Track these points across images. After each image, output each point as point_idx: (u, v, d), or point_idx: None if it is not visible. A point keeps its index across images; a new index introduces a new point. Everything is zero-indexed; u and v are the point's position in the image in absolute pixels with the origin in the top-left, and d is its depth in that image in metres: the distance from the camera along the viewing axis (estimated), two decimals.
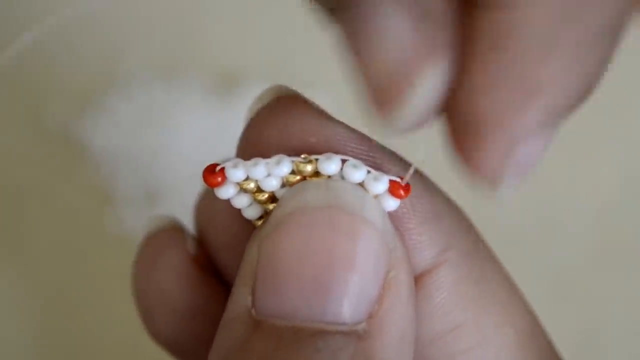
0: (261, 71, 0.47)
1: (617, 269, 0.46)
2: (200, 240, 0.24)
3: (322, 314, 0.17)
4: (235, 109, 0.47)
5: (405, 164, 0.20)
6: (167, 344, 0.24)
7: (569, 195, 0.47)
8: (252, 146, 0.20)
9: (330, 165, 0.18)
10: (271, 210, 0.19)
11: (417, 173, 0.20)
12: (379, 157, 0.19)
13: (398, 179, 0.18)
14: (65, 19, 0.48)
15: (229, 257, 0.23)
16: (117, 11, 0.49)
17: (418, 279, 0.20)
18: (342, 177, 0.18)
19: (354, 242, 0.17)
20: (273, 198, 0.19)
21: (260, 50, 0.49)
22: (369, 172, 0.18)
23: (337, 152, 0.19)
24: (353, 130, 0.19)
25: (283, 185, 0.19)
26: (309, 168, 0.18)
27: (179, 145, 0.46)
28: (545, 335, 0.22)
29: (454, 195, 0.22)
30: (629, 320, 0.45)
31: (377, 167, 0.19)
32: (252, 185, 0.19)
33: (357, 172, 0.18)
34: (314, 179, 0.18)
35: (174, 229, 0.24)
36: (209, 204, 0.23)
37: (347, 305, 0.17)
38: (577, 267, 0.46)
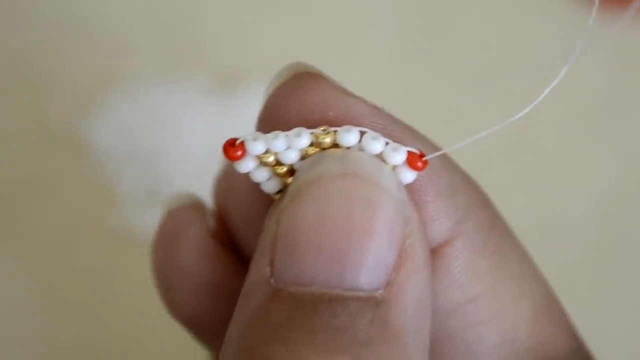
0: (262, 71, 0.48)
1: (616, 268, 0.46)
2: (220, 217, 0.24)
3: (339, 281, 0.17)
4: (236, 108, 0.47)
5: (422, 139, 0.20)
6: (186, 320, 0.24)
7: (568, 195, 0.48)
8: (271, 121, 0.20)
9: (349, 137, 0.18)
10: (289, 184, 0.19)
11: (434, 147, 0.20)
12: (397, 131, 0.20)
13: (416, 151, 0.19)
14: (68, 19, 0.48)
15: (248, 232, 0.23)
16: (120, 12, 0.49)
17: (435, 251, 0.20)
18: (361, 149, 0.19)
19: (370, 210, 0.17)
20: (292, 171, 0.19)
21: (261, 50, 0.49)
22: (387, 143, 0.19)
23: (355, 125, 0.19)
24: (372, 105, 0.20)
25: (302, 158, 0.19)
26: (328, 140, 0.19)
27: (181, 144, 0.46)
28: (561, 307, 0.22)
29: None
30: (629, 320, 0.45)
31: (395, 141, 0.19)
32: (271, 158, 0.19)
33: (376, 143, 0.18)
34: (331, 150, 0.19)
35: (194, 205, 0.24)
36: (228, 181, 0.23)
37: (365, 272, 0.17)
38: (576, 267, 0.46)
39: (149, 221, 0.44)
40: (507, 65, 0.50)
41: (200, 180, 0.45)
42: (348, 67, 0.49)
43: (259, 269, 0.18)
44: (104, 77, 0.47)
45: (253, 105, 0.46)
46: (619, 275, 0.46)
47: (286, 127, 0.19)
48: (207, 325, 0.23)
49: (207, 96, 0.47)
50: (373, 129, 0.19)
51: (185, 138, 0.46)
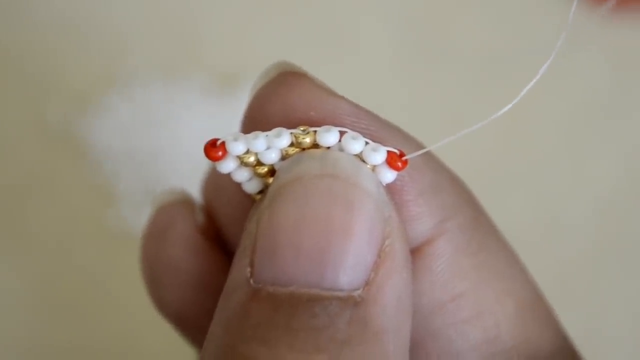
0: (259, 72, 0.48)
1: (616, 268, 0.46)
2: (209, 214, 0.24)
3: (319, 280, 0.17)
4: (234, 108, 0.47)
5: (406, 138, 0.20)
6: (174, 316, 0.24)
7: (568, 195, 0.48)
8: (254, 121, 0.20)
9: (329, 137, 0.18)
10: (270, 184, 0.19)
11: (418, 146, 0.20)
12: (379, 131, 0.20)
13: (396, 150, 0.19)
14: (65, 19, 0.49)
15: (235, 230, 0.23)
16: (119, 12, 0.49)
17: (418, 250, 0.20)
18: (341, 149, 0.19)
19: (349, 210, 0.17)
20: (272, 172, 0.19)
21: (259, 50, 0.50)
22: (367, 143, 0.19)
23: (336, 125, 0.19)
24: (355, 105, 0.20)
25: (283, 158, 0.19)
26: (307, 140, 0.19)
27: (179, 145, 0.46)
28: (547, 306, 0.22)
29: None
30: (629, 320, 0.45)
31: (377, 141, 0.19)
32: (252, 158, 0.19)
33: (356, 143, 0.18)
34: (311, 150, 0.19)
35: (183, 201, 0.24)
36: (216, 180, 0.24)
37: (344, 272, 0.17)
38: (576, 267, 0.46)
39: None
40: (507, 64, 0.50)
41: (197, 180, 0.45)
42: (347, 67, 0.49)
43: (239, 269, 0.18)
44: (102, 77, 0.47)
45: None
46: (619, 275, 0.46)
47: (269, 126, 0.19)
48: (194, 321, 0.24)
49: (204, 96, 0.47)
50: (355, 129, 0.19)
51: (182, 138, 0.46)
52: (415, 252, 0.20)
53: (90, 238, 0.45)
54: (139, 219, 0.45)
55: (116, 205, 0.46)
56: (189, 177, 0.46)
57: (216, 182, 0.24)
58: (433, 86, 0.49)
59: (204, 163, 0.49)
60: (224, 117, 0.47)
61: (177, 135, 0.46)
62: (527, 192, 0.47)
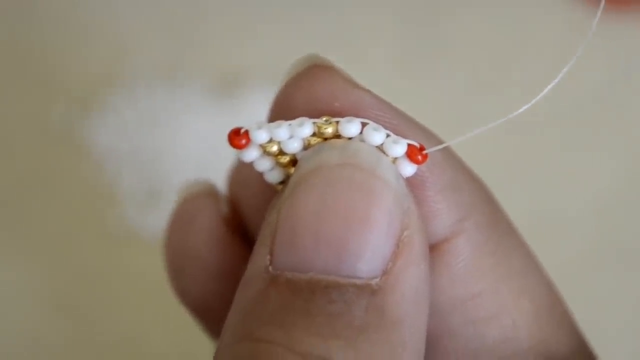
0: (262, 72, 0.48)
1: (616, 268, 0.46)
2: (233, 205, 0.24)
3: (337, 268, 0.17)
4: (236, 109, 0.48)
5: (428, 134, 0.20)
6: (194, 305, 0.24)
7: (568, 194, 0.48)
8: (280, 111, 0.20)
9: (351, 127, 0.19)
10: (291, 174, 0.19)
11: (439, 142, 0.20)
12: (401, 124, 0.20)
13: (416, 144, 0.19)
14: (69, 20, 0.49)
15: (259, 222, 0.23)
16: (122, 13, 0.49)
17: (436, 247, 0.20)
18: (362, 140, 0.19)
19: (368, 199, 0.17)
20: (294, 162, 0.19)
21: (261, 51, 0.50)
22: (388, 135, 0.19)
23: (359, 117, 0.19)
24: (378, 98, 0.20)
25: (305, 148, 0.19)
26: (329, 130, 0.19)
27: (181, 145, 0.46)
28: (564, 306, 0.22)
29: None
30: (628, 320, 0.45)
31: (398, 134, 0.19)
32: (274, 148, 0.19)
33: (377, 135, 0.19)
34: (332, 140, 0.19)
35: (209, 192, 0.25)
36: (242, 172, 0.24)
37: (362, 260, 0.17)
38: (576, 266, 0.46)
39: (149, 221, 0.45)
40: (511, 64, 0.50)
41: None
42: (348, 67, 0.49)
43: (259, 258, 0.18)
44: (105, 78, 0.47)
45: (252, 106, 0.47)
46: (619, 275, 0.46)
47: (294, 117, 0.19)
48: (214, 312, 0.24)
49: (206, 97, 0.48)
50: (378, 121, 0.19)
51: (185, 138, 0.46)
52: (434, 249, 0.20)
53: (92, 238, 0.45)
54: (141, 219, 0.45)
55: (118, 206, 0.46)
56: (192, 176, 0.46)
57: (241, 174, 0.24)
58: (437, 83, 0.50)
59: (207, 162, 0.49)
60: (226, 118, 0.47)
61: (179, 136, 0.47)
62: (526, 191, 0.48)
